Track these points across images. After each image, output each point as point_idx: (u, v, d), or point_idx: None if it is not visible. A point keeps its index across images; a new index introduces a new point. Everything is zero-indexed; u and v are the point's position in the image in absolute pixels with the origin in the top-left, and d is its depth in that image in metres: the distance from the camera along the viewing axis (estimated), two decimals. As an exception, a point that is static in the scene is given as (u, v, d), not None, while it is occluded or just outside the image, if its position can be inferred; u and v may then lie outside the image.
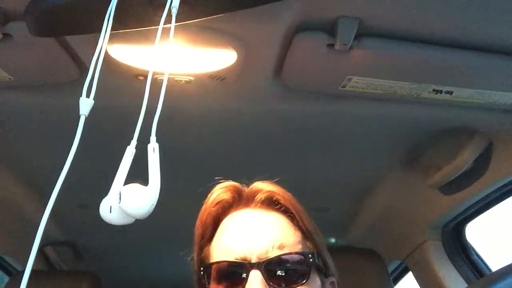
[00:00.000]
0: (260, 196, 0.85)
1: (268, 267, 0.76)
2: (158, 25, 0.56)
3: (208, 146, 1.41)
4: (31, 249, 0.46)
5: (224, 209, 0.87)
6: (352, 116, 1.24)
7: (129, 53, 0.94)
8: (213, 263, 0.80)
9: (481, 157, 1.33)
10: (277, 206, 0.85)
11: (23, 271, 0.46)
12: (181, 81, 1.03)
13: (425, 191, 1.54)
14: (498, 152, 1.31)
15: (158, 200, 0.52)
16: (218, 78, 1.03)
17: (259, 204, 0.85)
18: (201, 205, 0.89)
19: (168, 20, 0.56)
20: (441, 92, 1.06)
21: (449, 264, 1.63)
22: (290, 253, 0.78)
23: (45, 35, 0.79)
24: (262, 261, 0.76)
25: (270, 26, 0.88)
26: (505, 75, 1.03)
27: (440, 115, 1.22)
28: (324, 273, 0.84)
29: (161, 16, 0.56)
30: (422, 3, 0.83)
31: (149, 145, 0.53)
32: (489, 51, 0.97)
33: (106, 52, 0.62)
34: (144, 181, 0.53)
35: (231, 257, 0.78)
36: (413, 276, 1.81)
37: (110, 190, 0.52)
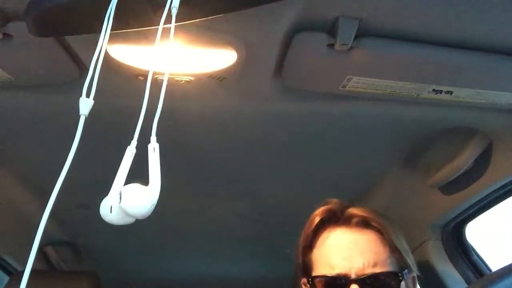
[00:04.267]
0: (356, 219, 1.03)
1: (364, 282, 0.91)
2: (158, 25, 0.56)
3: (208, 146, 1.41)
4: (31, 249, 0.46)
5: (323, 224, 1.05)
6: (352, 116, 1.24)
7: (129, 53, 0.94)
8: (319, 276, 0.97)
9: (481, 157, 1.33)
10: (370, 227, 1.02)
11: (23, 271, 0.46)
12: (181, 81, 1.03)
13: (425, 191, 1.54)
14: (498, 152, 1.31)
15: (158, 200, 0.53)
16: (218, 78, 1.03)
17: (355, 225, 1.02)
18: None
19: (168, 20, 0.56)
20: (441, 92, 1.06)
21: (449, 264, 1.63)
22: (382, 272, 0.95)
23: (45, 35, 0.79)
24: (360, 277, 0.92)
25: (270, 26, 0.88)
26: (505, 75, 1.03)
27: (440, 115, 1.22)
28: (409, 277, 1.02)
29: (161, 16, 0.56)
30: (422, 3, 0.83)
31: (149, 145, 0.53)
32: (489, 51, 0.97)
33: (106, 52, 0.61)
34: (144, 181, 0.53)
35: (333, 272, 0.94)
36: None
37: (110, 190, 0.52)
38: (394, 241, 1.00)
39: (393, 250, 1.00)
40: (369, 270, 0.93)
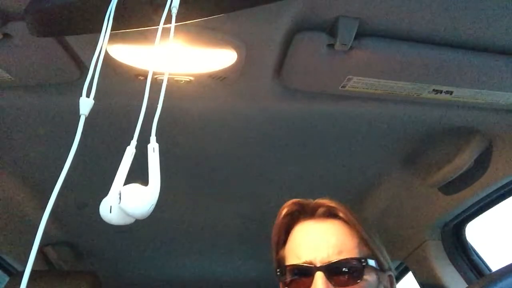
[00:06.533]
0: (322, 210, 1.05)
1: (329, 268, 0.94)
2: (158, 25, 0.56)
3: (208, 146, 1.41)
4: (31, 249, 0.46)
5: (293, 220, 1.07)
6: (352, 116, 1.24)
7: (129, 53, 0.94)
8: (287, 265, 1.02)
9: (481, 157, 1.33)
10: (336, 217, 1.04)
11: (23, 271, 0.46)
12: (181, 81, 1.03)
13: (425, 191, 1.54)
14: (498, 152, 1.31)
15: (158, 200, 0.53)
16: (218, 78, 1.03)
17: (321, 216, 1.05)
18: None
19: (168, 20, 0.56)
20: (441, 92, 1.06)
21: (449, 264, 1.63)
22: (347, 258, 0.96)
23: (45, 35, 0.79)
24: (324, 265, 0.94)
25: (270, 26, 0.88)
26: (505, 75, 1.03)
27: (440, 115, 1.22)
28: (380, 270, 1.01)
29: (161, 16, 0.56)
30: (422, 3, 0.83)
31: (149, 145, 0.53)
32: (489, 51, 0.97)
33: (106, 52, 0.62)
34: (144, 181, 0.53)
35: (300, 261, 0.98)
36: (413, 276, 1.81)
37: (110, 190, 0.52)
38: (361, 233, 1.01)
39: (361, 241, 1.01)
40: (334, 258, 0.95)
